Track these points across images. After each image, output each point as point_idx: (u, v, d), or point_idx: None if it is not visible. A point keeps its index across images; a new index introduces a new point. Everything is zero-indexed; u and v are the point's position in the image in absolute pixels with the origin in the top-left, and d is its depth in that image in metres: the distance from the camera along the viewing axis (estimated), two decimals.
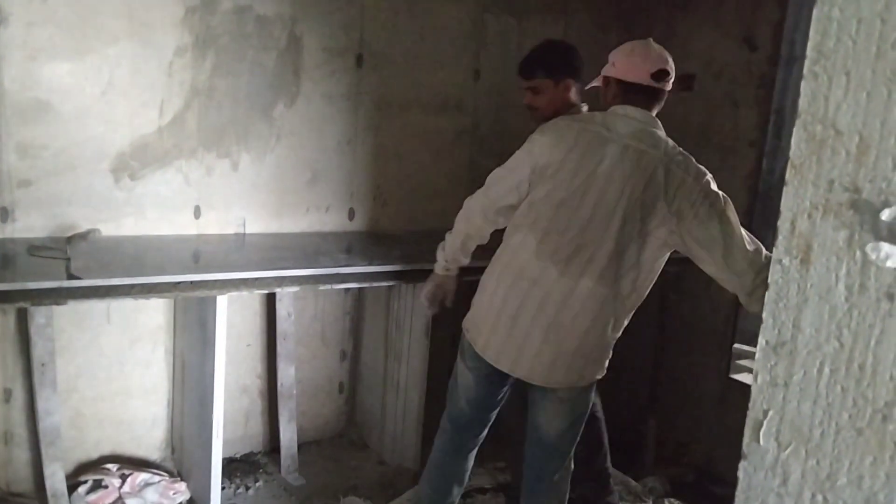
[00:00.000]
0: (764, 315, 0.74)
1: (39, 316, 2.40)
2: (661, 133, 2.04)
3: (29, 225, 2.45)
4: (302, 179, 2.92)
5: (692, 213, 1.92)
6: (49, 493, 2.42)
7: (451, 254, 2.31)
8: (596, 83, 2.16)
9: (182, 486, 2.59)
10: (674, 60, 2.01)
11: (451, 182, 3.22)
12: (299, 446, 2.91)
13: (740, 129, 3.08)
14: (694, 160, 2.02)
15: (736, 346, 3.12)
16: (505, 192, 2.11)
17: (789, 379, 0.73)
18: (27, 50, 2.35)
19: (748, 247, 1.88)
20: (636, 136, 1.98)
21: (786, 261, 0.72)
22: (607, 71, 2.09)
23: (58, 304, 2.12)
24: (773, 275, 0.72)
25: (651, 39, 2.10)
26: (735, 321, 3.14)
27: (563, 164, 1.99)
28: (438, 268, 2.35)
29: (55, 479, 2.44)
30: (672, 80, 2.09)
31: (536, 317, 1.99)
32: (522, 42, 3.25)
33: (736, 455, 0.79)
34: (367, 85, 2.98)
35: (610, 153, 1.96)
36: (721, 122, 3.16)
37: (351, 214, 3.05)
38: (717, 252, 1.89)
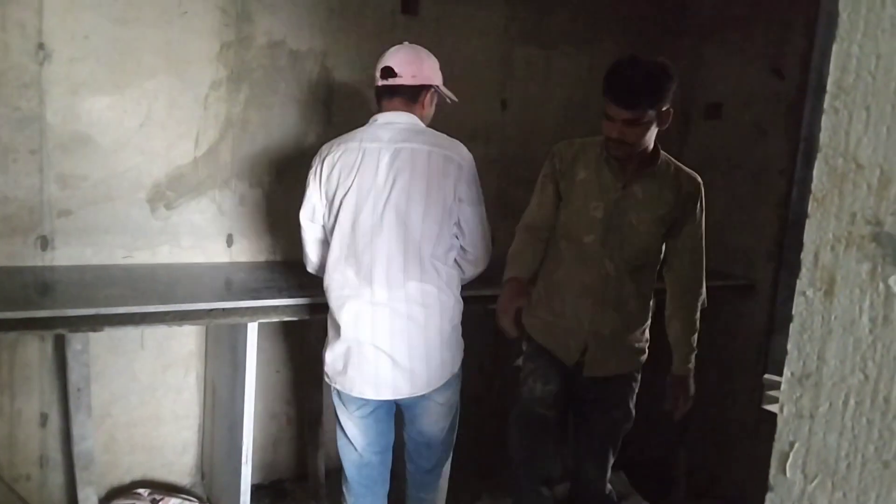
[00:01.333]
0: (789, 347, 0.74)
1: (76, 342, 2.46)
2: (423, 127, 2.10)
3: (68, 253, 2.53)
4: None
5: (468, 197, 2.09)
6: None
7: None
8: None
9: None
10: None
11: None
12: (327, 473, 2.91)
13: (769, 158, 3.07)
14: (463, 146, 2.12)
15: (767, 376, 3.07)
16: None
17: (815, 411, 0.73)
18: (69, 84, 2.44)
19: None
20: (403, 138, 2.03)
21: (809, 293, 0.72)
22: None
23: (94, 330, 2.17)
24: (798, 307, 0.73)
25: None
26: (767, 351, 3.10)
27: (337, 192, 2.04)
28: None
29: (88, 502, 2.47)
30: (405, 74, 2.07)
31: (395, 338, 2.03)
32: (549, 72, 3.28)
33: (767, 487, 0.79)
34: None
35: (380, 161, 2.01)
36: (750, 151, 3.15)
37: None
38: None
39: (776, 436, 0.77)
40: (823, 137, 0.72)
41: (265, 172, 2.82)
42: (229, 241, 2.79)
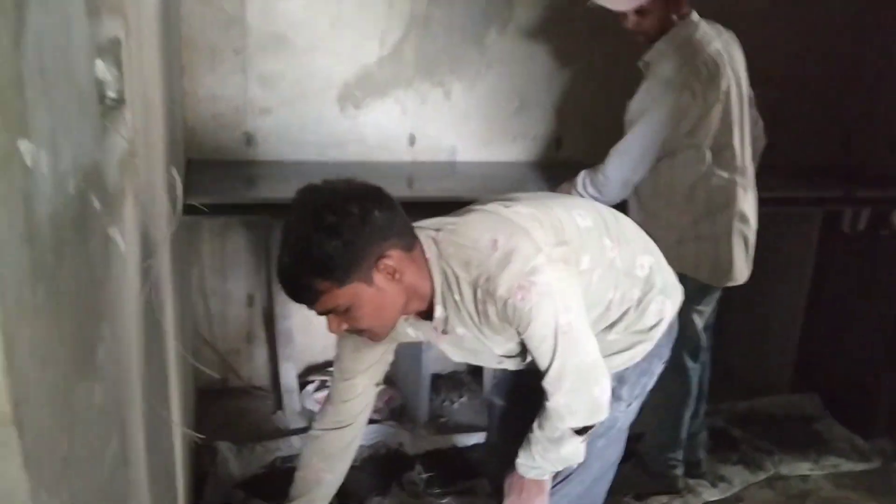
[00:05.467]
0: None
1: (278, 228, 2.66)
2: None
3: (268, 150, 2.71)
4: (510, 108, 2.93)
5: None
6: (283, 388, 2.72)
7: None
8: None
9: (396, 392, 2.79)
10: None
11: None
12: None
13: None
14: None
15: None
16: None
17: None
18: None
19: None
20: (717, 31, 2.16)
21: None
22: None
23: None
24: None
25: None
26: None
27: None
28: None
29: (288, 376, 2.73)
30: None
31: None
32: None
33: None
34: (581, 9, 2.88)
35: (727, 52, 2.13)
36: None
37: (558, 144, 3.02)
38: None
39: None
40: None
41: (446, 71, 2.82)
42: (411, 140, 2.85)
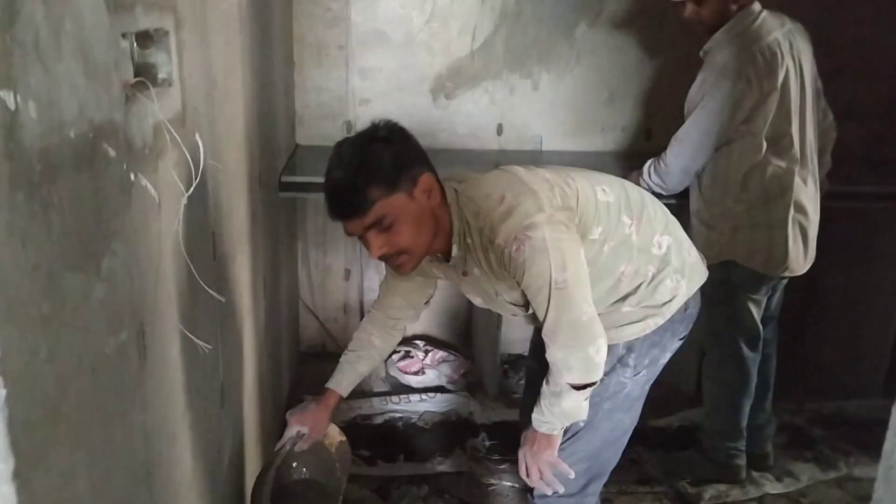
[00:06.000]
0: None
1: None
2: None
3: None
4: (599, 99, 3.00)
5: None
6: None
7: None
8: None
9: (472, 366, 2.96)
10: None
11: None
12: None
13: None
14: None
15: None
16: None
17: None
18: None
19: None
20: (780, 22, 2.13)
21: None
22: None
23: None
24: None
25: None
26: None
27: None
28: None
29: None
30: None
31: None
32: None
33: None
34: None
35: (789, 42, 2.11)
36: None
37: (648, 135, 3.04)
38: None
39: None
40: None
41: (534, 63, 2.95)
42: (499, 129, 3.01)
